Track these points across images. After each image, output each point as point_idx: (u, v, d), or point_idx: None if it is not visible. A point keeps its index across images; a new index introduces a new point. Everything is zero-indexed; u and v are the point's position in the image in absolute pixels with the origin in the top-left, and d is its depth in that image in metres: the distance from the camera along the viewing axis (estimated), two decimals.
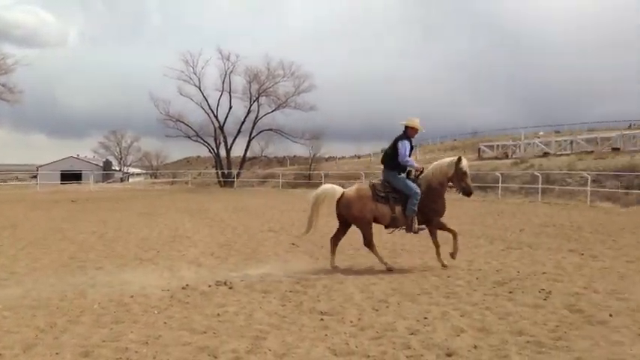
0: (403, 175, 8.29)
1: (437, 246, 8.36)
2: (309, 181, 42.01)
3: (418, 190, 8.10)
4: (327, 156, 55.66)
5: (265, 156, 53.41)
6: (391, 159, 8.29)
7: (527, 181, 27.75)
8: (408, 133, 8.31)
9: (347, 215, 8.41)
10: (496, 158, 42.01)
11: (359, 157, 64.72)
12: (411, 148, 8.29)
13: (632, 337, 4.80)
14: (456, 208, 20.88)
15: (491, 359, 4.35)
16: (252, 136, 47.74)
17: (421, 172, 8.36)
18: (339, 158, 64.97)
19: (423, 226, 8.38)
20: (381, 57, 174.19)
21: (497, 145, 45.53)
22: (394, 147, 8.26)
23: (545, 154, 39.53)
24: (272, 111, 47.46)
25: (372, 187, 8.41)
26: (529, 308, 5.83)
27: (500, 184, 27.26)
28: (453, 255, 8.34)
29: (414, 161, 8.36)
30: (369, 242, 8.39)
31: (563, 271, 7.95)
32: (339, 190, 8.55)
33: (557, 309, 5.78)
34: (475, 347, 4.59)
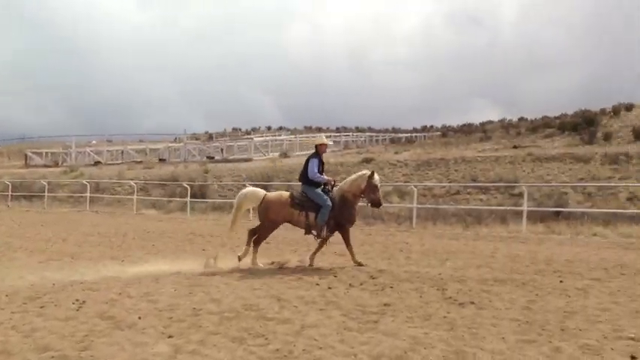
0: (319, 188, 8.97)
1: (350, 248, 9.09)
2: None
3: (329, 203, 8.84)
4: None
5: None
6: (304, 176, 9.00)
7: (76, 189, 27.20)
8: (319, 150, 9.14)
9: (262, 215, 9.07)
10: (45, 166, 39.92)
11: None
12: (321, 163, 9.06)
13: (157, 336, 5.05)
14: None
15: None
16: None
17: (334, 184, 9.17)
18: None
19: (332, 234, 9.09)
20: None
21: (47, 153, 43.39)
22: (306, 165, 8.99)
23: (97, 163, 39.60)
24: None
25: (292, 195, 9.10)
26: (59, 321, 5.54)
27: (46, 193, 25.89)
28: (310, 257, 9.15)
29: (323, 176, 9.01)
30: (259, 240, 9.08)
31: (102, 279, 7.91)
32: (261, 192, 9.27)
33: (89, 318, 5.66)
34: None
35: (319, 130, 65.13)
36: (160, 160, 39.75)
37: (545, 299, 6.55)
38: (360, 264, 8.97)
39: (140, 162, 38.59)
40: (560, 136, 34.13)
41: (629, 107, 37.29)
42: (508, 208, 17.22)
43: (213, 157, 38.23)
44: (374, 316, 5.73)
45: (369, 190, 8.88)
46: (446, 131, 58.51)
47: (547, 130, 37.48)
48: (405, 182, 22.18)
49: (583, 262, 9.43)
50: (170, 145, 44.06)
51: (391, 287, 7.28)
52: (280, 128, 71.51)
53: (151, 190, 26.65)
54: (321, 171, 9.03)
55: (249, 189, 9.78)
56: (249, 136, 53.70)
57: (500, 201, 19.08)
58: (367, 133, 56.54)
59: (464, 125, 63.50)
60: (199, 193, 23.69)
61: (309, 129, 67.98)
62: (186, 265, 9.00)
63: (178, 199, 23.45)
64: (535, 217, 15.90)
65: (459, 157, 25.82)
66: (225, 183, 26.08)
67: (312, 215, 8.91)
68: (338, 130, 64.70)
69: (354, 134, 54.71)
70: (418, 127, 73.01)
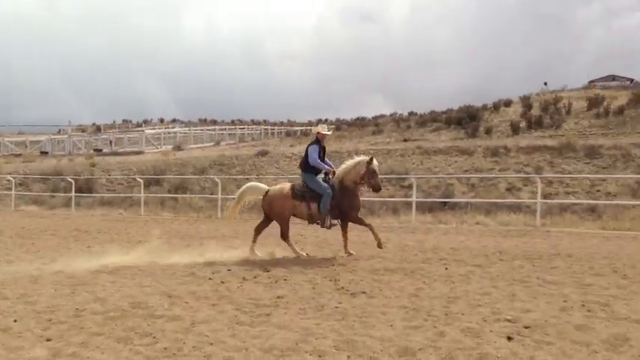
0: (320, 176, 9.04)
1: (345, 239, 9.17)
2: None
3: (329, 191, 8.87)
4: None
5: None
6: (305, 163, 9.09)
7: None
8: (319, 137, 9.25)
9: (268, 211, 9.24)
10: None
11: None
12: (322, 150, 9.17)
13: (34, 339, 4.71)
14: None
15: None
16: None
17: (334, 173, 9.06)
18: None
19: (336, 222, 9.10)
20: None
21: None
22: (306, 153, 9.07)
23: None
24: None
25: (292, 187, 9.13)
26: None
27: None
28: (379, 245, 9.07)
29: (324, 164, 9.09)
30: (284, 235, 9.20)
31: None
32: (263, 187, 9.47)
33: None
34: None
35: (214, 122, 64.04)
36: (42, 153, 37.38)
37: (431, 286, 6.83)
38: (350, 253, 9.07)
39: (19, 155, 36.10)
40: (447, 130, 35.82)
41: (507, 103, 39.88)
42: (399, 199, 17.86)
43: (101, 150, 36.52)
44: (267, 309, 5.70)
45: (369, 175, 8.93)
46: (340, 125, 59.44)
47: (435, 125, 39.16)
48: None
49: (466, 250, 9.95)
50: (53, 137, 41.43)
51: (285, 280, 7.29)
52: (174, 121, 69.56)
53: (31, 184, 24.97)
54: (322, 157, 9.14)
55: (251, 183, 10.08)
56: (140, 129, 51.75)
57: (392, 192, 19.78)
58: (263, 126, 56.28)
59: (357, 119, 64.89)
60: (85, 187, 22.54)
61: (203, 122, 66.63)
62: (69, 263, 8.49)
63: (62, 194, 22.15)
64: (424, 208, 16.62)
65: (352, 150, 26.35)
66: (114, 177, 24.99)
67: (313, 205, 8.99)
68: (233, 122, 63.86)
69: (250, 127, 54.32)
70: (313, 120, 73.75)
